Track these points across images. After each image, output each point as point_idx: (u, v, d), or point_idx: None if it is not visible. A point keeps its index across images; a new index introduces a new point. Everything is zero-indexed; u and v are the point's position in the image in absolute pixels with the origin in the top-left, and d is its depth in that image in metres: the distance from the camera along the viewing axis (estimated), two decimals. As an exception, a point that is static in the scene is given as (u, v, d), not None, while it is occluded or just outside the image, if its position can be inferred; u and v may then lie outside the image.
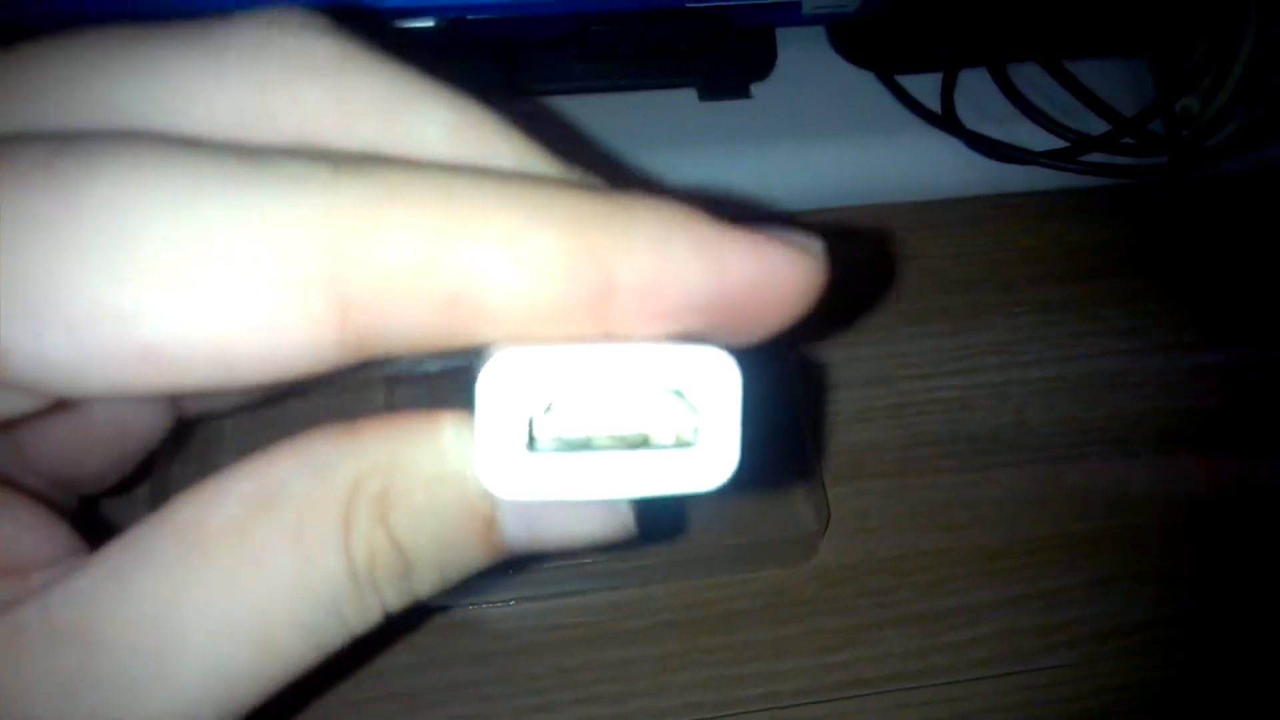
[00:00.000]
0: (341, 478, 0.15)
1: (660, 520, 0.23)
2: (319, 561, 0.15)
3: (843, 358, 0.38)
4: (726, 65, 0.43)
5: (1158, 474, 0.37)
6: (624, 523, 0.17)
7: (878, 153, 0.43)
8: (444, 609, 0.32)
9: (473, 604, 0.32)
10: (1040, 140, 0.41)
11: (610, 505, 0.16)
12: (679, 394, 0.14)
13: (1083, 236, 0.42)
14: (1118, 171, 0.41)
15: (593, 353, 0.13)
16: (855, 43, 0.44)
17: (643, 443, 0.14)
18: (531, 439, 0.14)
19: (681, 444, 0.14)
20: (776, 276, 0.15)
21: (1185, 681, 0.34)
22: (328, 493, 0.15)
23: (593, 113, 0.41)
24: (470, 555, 0.16)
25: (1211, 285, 0.41)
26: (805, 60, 0.44)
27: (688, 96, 0.43)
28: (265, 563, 0.15)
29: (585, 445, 0.14)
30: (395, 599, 0.16)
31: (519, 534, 0.16)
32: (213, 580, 0.14)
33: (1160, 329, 0.40)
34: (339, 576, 0.15)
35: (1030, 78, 0.42)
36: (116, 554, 0.15)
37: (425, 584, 0.16)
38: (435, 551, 0.16)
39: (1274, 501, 0.36)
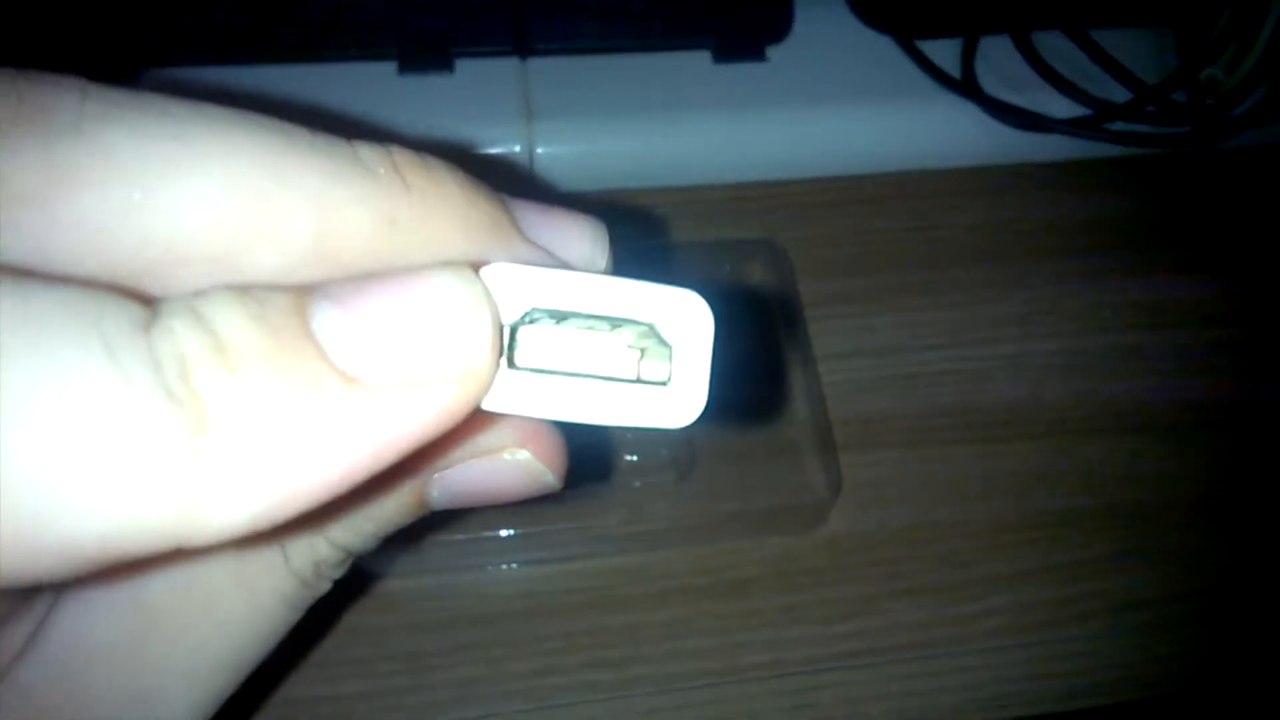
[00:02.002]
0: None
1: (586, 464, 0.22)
2: (268, 589, 0.16)
3: (857, 326, 0.38)
4: (742, 27, 0.42)
5: (1172, 449, 0.36)
6: (542, 481, 0.17)
7: (896, 119, 0.42)
8: (449, 571, 0.32)
9: (478, 566, 0.32)
10: (1062, 108, 0.41)
11: (526, 467, 0.17)
12: (654, 330, 0.14)
13: (1103, 208, 0.41)
14: (1140, 140, 0.41)
15: (576, 278, 0.14)
16: (874, 6, 0.43)
17: (617, 373, 0.14)
18: (512, 357, 0.14)
19: (654, 381, 0.14)
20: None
21: (1194, 657, 0.33)
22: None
23: (606, 73, 0.41)
24: (400, 521, 0.17)
25: (1233, 259, 0.41)
26: (822, 23, 0.43)
27: (702, 59, 0.42)
28: (218, 609, 0.16)
29: (562, 367, 0.14)
30: (340, 573, 0.17)
31: (443, 497, 0.17)
32: (173, 638, 0.15)
33: (1180, 303, 0.39)
34: (290, 590, 0.16)
35: (1053, 45, 0.41)
36: (76, 627, 0.15)
37: (364, 551, 0.17)
38: (375, 534, 0.17)
39: (1291, 478, 0.36)
